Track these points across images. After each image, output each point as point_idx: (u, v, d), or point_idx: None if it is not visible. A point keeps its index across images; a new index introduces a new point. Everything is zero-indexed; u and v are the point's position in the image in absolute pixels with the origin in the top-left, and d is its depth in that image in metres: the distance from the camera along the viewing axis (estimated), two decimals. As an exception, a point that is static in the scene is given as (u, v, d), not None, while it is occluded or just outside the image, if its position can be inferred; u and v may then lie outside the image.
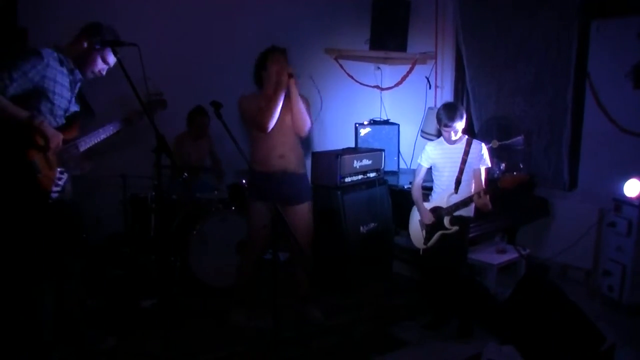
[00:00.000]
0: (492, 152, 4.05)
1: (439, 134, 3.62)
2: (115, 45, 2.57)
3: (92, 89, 3.17)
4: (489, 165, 3.32)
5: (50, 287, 2.70)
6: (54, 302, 2.73)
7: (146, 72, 2.51)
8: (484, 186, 3.21)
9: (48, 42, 2.65)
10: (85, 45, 2.63)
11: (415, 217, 3.50)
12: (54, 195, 2.60)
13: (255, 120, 3.22)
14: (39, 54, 2.50)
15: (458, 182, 3.28)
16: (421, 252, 3.48)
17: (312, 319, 3.46)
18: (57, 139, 2.53)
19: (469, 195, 3.22)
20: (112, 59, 2.68)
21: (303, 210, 3.36)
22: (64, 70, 2.62)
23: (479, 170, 3.26)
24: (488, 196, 3.13)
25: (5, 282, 2.67)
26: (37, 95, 2.51)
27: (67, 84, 2.64)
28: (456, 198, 3.27)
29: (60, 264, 2.74)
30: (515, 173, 3.12)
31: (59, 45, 2.63)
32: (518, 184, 3.11)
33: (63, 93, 2.62)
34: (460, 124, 3.21)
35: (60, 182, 2.63)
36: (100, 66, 2.69)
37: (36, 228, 2.58)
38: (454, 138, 3.26)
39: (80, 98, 2.81)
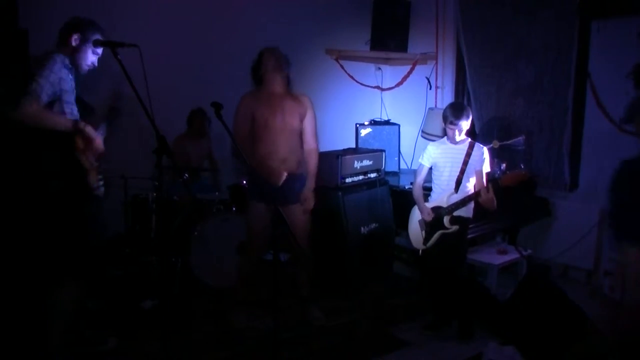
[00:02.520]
0: (492, 152, 4.04)
1: (440, 134, 3.61)
2: (116, 46, 2.57)
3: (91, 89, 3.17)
4: (489, 169, 3.32)
5: (73, 288, 2.69)
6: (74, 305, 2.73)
7: (146, 73, 2.51)
8: (485, 185, 3.21)
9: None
10: (76, 41, 2.63)
11: (414, 218, 3.49)
12: (99, 190, 2.69)
13: (236, 137, 3.14)
14: (52, 57, 2.52)
15: (458, 182, 3.28)
16: (420, 253, 3.48)
17: (313, 320, 3.46)
18: (99, 140, 2.62)
19: (469, 194, 3.22)
20: (100, 48, 2.70)
21: (300, 210, 3.34)
22: (68, 70, 2.63)
23: (481, 172, 3.26)
24: (492, 192, 3.12)
25: (30, 282, 2.70)
26: (59, 98, 2.54)
27: (72, 82, 2.66)
28: (456, 198, 3.27)
29: (85, 264, 2.74)
30: (515, 170, 3.11)
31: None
32: (518, 182, 3.09)
33: (71, 91, 2.65)
34: (465, 124, 3.21)
35: (101, 182, 2.70)
36: (92, 58, 2.71)
37: (85, 226, 2.65)
38: (457, 138, 3.26)
39: (77, 97, 2.81)
